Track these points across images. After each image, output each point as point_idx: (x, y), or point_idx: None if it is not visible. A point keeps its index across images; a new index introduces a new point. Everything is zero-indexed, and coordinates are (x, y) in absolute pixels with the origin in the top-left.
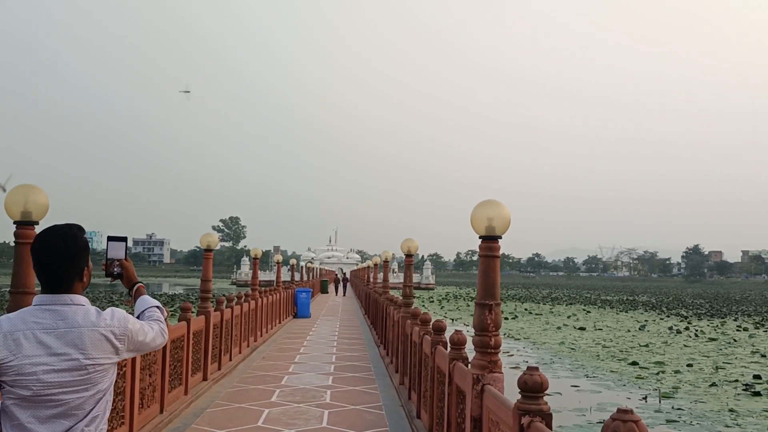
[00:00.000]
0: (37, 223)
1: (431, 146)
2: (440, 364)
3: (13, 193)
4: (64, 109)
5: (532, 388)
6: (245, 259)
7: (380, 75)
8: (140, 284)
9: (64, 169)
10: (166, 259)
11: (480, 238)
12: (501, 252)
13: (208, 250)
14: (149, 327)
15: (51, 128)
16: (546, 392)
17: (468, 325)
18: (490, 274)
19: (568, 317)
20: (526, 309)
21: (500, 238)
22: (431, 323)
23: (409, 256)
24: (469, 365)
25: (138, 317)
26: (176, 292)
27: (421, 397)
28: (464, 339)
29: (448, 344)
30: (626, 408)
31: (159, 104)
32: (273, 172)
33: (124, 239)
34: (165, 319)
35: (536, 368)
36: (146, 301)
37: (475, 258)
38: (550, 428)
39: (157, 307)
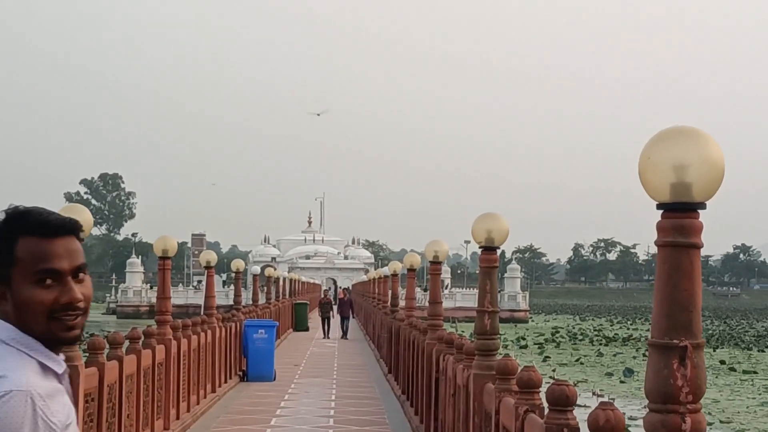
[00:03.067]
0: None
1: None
2: None
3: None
4: None
5: None
6: (135, 262)
7: None
8: None
9: None
10: None
11: (660, 207)
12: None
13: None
14: None
15: None
16: None
17: (602, 395)
18: (683, 283)
19: None
20: (722, 361)
21: (703, 207)
22: (536, 388)
23: (489, 249)
24: None
25: None
26: None
27: None
28: (620, 421)
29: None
30: None
31: None
32: (189, 91)
33: None
34: None
35: None
36: None
37: (612, 256)
38: None
39: None
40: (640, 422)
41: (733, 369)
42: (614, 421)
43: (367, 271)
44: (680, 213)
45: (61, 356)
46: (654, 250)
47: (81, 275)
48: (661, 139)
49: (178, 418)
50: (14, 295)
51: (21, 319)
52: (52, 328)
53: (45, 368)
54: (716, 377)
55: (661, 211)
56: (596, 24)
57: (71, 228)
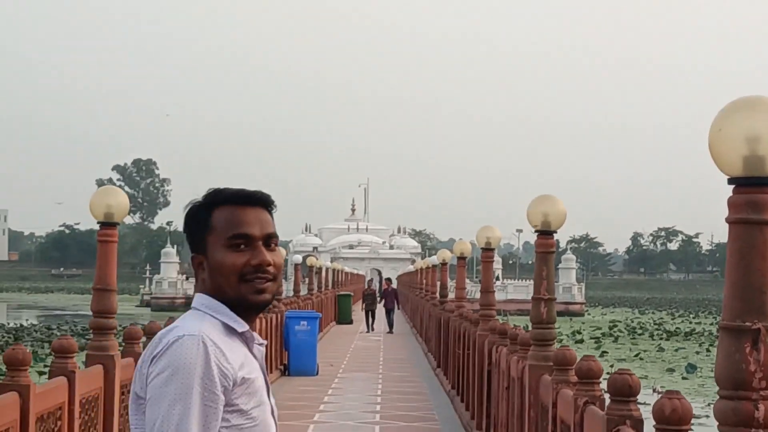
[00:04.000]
0: (118, 223)
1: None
2: None
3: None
4: None
5: None
6: (170, 252)
7: None
8: None
9: None
10: (2, 254)
11: (731, 182)
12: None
13: (109, 224)
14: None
15: None
16: None
17: (660, 393)
18: (756, 263)
19: None
20: None
21: None
22: (596, 378)
23: (545, 234)
24: None
25: None
26: (26, 323)
27: None
28: (687, 411)
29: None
30: None
31: None
32: (224, 76)
33: None
34: None
35: None
36: None
37: (673, 246)
38: None
39: None
40: (704, 420)
41: None
42: (681, 411)
43: (413, 261)
44: (753, 188)
45: (258, 339)
46: (718, 239)
47: (272, 245)
48: (733, 109)
49: None
50: (210, 261)
51: (215, 282)
52: (242, 291)
53: (229, 330)
54: None
55: (732, 187)
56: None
57: (262, 199)
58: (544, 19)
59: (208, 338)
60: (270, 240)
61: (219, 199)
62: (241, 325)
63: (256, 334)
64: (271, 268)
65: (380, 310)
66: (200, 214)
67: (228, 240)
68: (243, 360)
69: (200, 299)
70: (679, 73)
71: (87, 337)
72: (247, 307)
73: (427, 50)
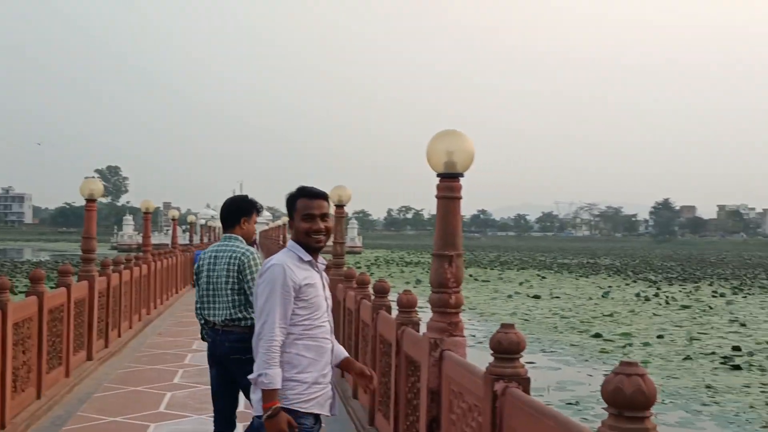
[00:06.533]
0: (462, 174)
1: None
2: (384, 332)
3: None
4: None
5: (508, 348)
6: (128, 218)
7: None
8: None
9: None
10: (28, 219)
11: (438, 176)
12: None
13: (91, 200)
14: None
15: None
16: (523, 353)
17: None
18: (450, 219)
19: (520, 284)
20: (470, 275)
21: (462, 176)
22: (371, 285)
23: (339, 206)
24: (424, 330)
25: None
26: (42, 259)
27: None
28: (415, 300)
29: (393, 309)
30: (630, 360)
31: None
32: (162, 112)
33: None
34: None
35: (511, 325)
36: None
37: (409, 216)
38: (528, 394)
39: None
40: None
41: (476, 279)
42: (413, 300)
43: (269, 224)
44: (449, 179)
45: (321, 260)
46: (432, 212)
47: (326, 219)
48: (439, 136)
49: (156, 308)
50: (295, 224)
51: (298, 235)
52: (309, 241)
53: (300, 258)
54: (467, 284)
55: (438, 178)
56: None
57: (320, 195)
58: None
59: (286, 265)
60: (324, 216)
61: (301, 193)
62: (306, 256)
63: (320, 260)
64: (322, 231)
65: None
66: (292, 201)
67: (303, 216)
68: (306, 274)
69: (290, 243)
70: None
71: (78, 265)
72: (310, 249)
73: None
